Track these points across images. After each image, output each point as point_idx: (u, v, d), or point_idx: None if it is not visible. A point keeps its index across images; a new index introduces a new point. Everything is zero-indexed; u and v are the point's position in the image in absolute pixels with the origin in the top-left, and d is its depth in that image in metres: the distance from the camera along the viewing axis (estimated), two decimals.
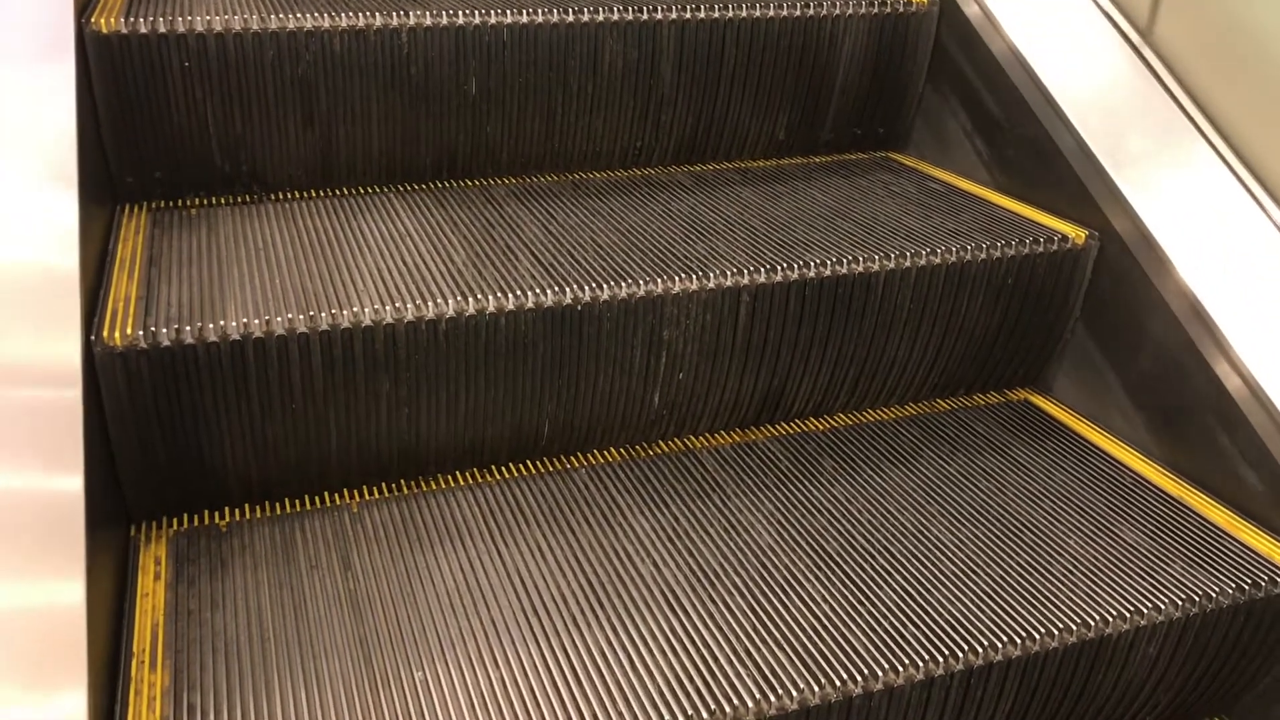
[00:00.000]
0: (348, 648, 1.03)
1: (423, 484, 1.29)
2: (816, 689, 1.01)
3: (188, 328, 1.13)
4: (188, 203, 1.48)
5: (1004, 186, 1.65)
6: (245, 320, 1.15)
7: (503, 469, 1.33)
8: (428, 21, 1.48)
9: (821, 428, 1.46)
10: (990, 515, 1.28)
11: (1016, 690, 1.11)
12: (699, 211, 1.53)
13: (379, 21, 1.46)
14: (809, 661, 1.04)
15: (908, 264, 1.39)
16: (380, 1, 1.53)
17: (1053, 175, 1.54)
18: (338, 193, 1.55)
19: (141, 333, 1.11)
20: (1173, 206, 1.41)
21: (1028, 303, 1.49)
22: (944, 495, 1.31)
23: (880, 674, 1.03)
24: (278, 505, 1.24)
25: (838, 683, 1.01)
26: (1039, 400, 1.56)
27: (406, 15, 1.48)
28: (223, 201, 1.49)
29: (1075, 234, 1.46)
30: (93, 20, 1.35)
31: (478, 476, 1.31)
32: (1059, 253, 1.46)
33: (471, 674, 1.00)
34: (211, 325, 1.14)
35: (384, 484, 1.29)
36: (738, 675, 1.02)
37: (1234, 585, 1.17)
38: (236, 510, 1.23)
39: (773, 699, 0.99)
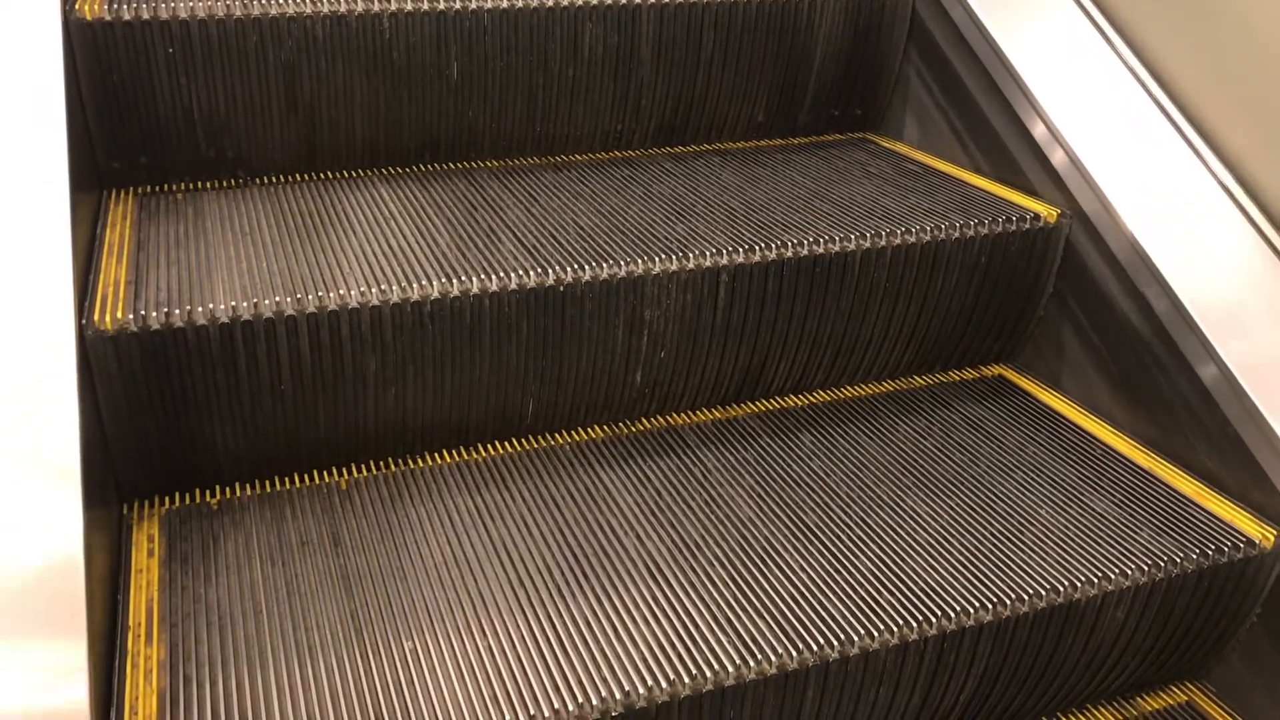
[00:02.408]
0: (339, 620, 1.05)
1: (410, 462, 1.32)
2: (795, 654, 1.04)
3: (177, 311, 1.15)
4: (174, 188, 1.49)
5: (979, 166, 1.68)
6: (233, 303, 1.17)
7: (488, 447, 1.36)
8: (409, 6, 1.50)
9: (800, 404, 1.49)
10: (964, 486, 1.31)
11: (989, 654, 1.15)
12: (679, 193, 1.55)
13: (360, 7, 1.48)
14: (787, 628, 1.07)
15: (884, 243, 1.42)
16: None
17: (1025, 154, 1.57)
18: (322, 176, 1.57)
19: (131, 316, 1.13)
20: (1140, 185, 1.45)
21: (1001, 280, 1.52)
22: (920, 468, 1.35)
23: (856, 639, 1.06)
24: (268, 483, 1.26)
25: (815, 648, 1.05)
26: (1013, 376, 1.59)
27: (388, 0, 1.50)
28: (208, 186, 1.51)
29: (1047, 213, 1.49)
30: (77, 8, 1.36)
31: (464, 454, 1.34)
32: (1032, 231, 1.49)
33: (460, 643, 1.03)
34: (200, 308, 1.16)
35: (372, 462, 1.31)
36: (718, 642, 1.05)
37: (1199, 551, 1.21)
38: (227, 489, 1.25)
39: (752, 664, 1.02)
